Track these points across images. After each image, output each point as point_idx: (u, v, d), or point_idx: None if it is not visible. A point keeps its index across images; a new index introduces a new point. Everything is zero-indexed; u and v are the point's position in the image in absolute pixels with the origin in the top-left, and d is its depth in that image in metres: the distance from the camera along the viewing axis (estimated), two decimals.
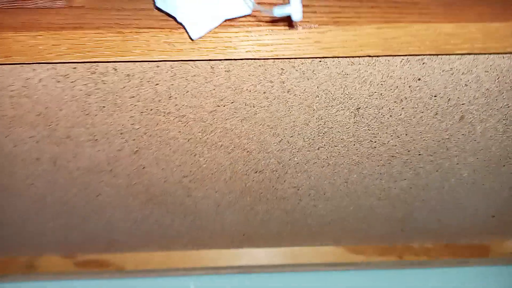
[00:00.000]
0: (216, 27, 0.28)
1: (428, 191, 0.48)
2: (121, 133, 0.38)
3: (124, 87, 0.34)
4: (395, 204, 0.50)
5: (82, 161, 0.41)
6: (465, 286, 0.56)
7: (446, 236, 0.57)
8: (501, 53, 0.33)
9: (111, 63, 0.32)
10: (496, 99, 0.38)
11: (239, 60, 0.33)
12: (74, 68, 0.32)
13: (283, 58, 0.32)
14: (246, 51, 0.30)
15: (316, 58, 0.32)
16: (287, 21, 0.29)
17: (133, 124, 0.38)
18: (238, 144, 0.40)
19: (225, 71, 0.34)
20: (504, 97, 0.38)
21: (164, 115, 0.37)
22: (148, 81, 0.34)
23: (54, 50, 0.29)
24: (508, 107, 0.39)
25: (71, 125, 0.37)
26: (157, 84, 0.34)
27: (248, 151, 0.41)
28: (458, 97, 0.37)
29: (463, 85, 0.36)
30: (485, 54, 0.33)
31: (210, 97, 0.36)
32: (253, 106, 0.37)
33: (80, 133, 0.38)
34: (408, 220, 0.53)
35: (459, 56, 0.34)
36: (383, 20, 0.29)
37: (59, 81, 0.33)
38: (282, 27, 0.29)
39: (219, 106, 0.37)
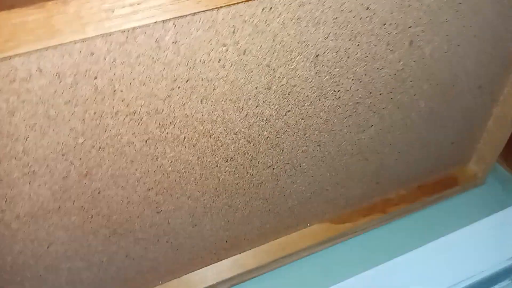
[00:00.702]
0: None
1: (394, 132, 0.48)
2: (63, 154, 0.31)
3: (55, 91, 0.28)
4: (367, 156, 0.48)
5: (20, 207, 0.33)
6: (447, 220, 0.57)
7: (417, 179, 0.57)
8: None
9: (35, 59, 0.26)
10: (437, 15, 0.38)
11: (186, 25, 0.28)
12: None
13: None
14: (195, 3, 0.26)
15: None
16: None
17: (75, 138, 0.31)
18: (203, 131, 0.36)
19: (173, 42, 0.29)
20: (443, 11, 0.38)
21: (111, 117, 0.31)
22: (84, 76, 0.28)
23: None
24: (448, 21, 0.40)
25: None
26: (95, 78, 0.29)
27: (214, 137, 0.37)
28: (404, 21, 0.37)
29: (407, 6, 0.36)
30: None
31: (162, 80, 0.31)
32: (211, 80, 0.33)
33: (10, 168, 0.30)
34: (381, 170, 0.52)
35: None
36: None
37: None
38: None
39: (173, 89, 0.32)
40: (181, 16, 0.27)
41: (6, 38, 0.22)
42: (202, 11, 0.27)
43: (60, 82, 0.28)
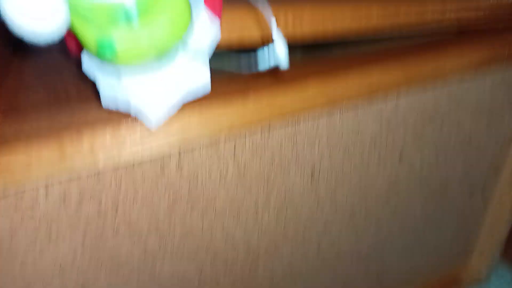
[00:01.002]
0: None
1: (392, 238, 0.48)
2: (60, 271, 0.31)
3: (59, 213, 0.29)
4: (367, 262, 0.48)
5: None
6: None
7: (420, 278, 0.56)
8: (421, 91, 0.37)
9: (43, 183, 0.27)
10: (422, 132, 0.41)
11: (190, 152, 0.30)
12: None
13: (240, 132, 0.31)
14: (202, 128, 0.28)
15: (268, 121, 0.32)
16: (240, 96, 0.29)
17: (74, 256, 0.31)
18: (202, 245, 0.36)
19: (177, 167, 0.31)
20: (426, 129, 0.41)
21: (112, 234, 0.31)
22: (89, 198, 0.29)
23: None
24: (432, 136, 0.42)
25: None
26: (100, 199, 0.30)
27: (213, 251, 0.37)
28: (393, 139, 0.40)
29: (394, 127, 0.39)
30: (407, 94, 0.37)
31: (164, 199, 0.32)
32: (211, 197, 0.34)
33: (6, 285, 0.30)
34: (383, 274, 0.51)
35: (386, 98, 0.36)
36: (323, 75, 0.31)
37: None
38: (234, 97, 0.28)
39: (174, 207, 0.33)
40: (189, 147, 0.29)
41: (21, 169, 0.24)
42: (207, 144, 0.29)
43: (64, 202, 0.28)
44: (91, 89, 0.30)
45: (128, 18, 0.19)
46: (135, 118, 0.26)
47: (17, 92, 0.30)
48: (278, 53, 0.19)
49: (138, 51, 0.20)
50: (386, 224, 0.46)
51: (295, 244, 0.41)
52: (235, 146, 0.32)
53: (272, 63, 0.20)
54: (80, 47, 0.24)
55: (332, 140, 0.36)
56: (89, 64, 0.24)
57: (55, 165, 0.24)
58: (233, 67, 0.22)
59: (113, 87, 0.23)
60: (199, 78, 0.23)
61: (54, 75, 0.34)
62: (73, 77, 0.33)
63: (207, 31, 0.23)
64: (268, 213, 0.37)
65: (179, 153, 0.30)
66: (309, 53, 0.45)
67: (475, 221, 0.55)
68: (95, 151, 0.25)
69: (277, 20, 0.29)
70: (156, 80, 0.23)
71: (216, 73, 0.24)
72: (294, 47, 0.33)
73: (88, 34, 0.20)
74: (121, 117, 0.26)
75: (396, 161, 0.42)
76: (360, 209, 0.42)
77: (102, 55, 0.19)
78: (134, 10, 0.19)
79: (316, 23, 0.31)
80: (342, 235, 0.43)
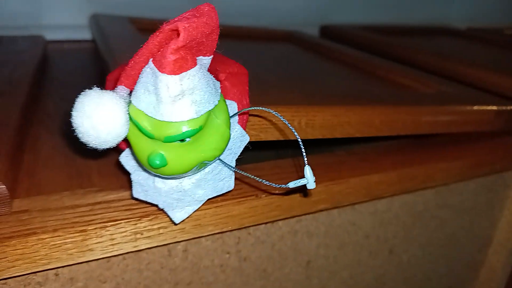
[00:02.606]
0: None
1: None
2: None
3: None
4: None
5: None
6: None
7: None
8: (412, 191, 0.40)
9: (54, 269, 0.27)
10: (411, 229, 0.44)
11: (200, 237, 0.32)
12: (4, 284, 0.26)
13: (247, 227, 0.32)
14: (213, 221, 0.30)
15: (276, 220, 0.34)
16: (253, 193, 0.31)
17: None
18: None
19: (183, 251, 0.32)
20: (416, 226, 0.44)
21: None
22: (94, 281, 0.29)
23: None
24: (420, 234, 0.45)
25: None
26: (105, 282, 0.30)
27: None
28: (384, 234, 0.42)
29: (386, 222, 0.41)
30: (400, 194, 0.39)
31: (165, 283, 0.32)
32: (210, 283, 0.35)
33: None
34: None
35: (380, 198, 0.39)
36: (327, 178, 0.33)
37: None
38: (248, 197, 0.30)
39: None
40: (198, 237, 0.30)
41: (41, 257, 0.24)
42: (217, 233, 0.31)
43: (71, 286, 0.29)
44: (111, 174, 0.32)
45: (182, 139, 0.21)
46: (157, 211, 0.27)
47: (36, 171, 0.31)
48: (308, 179, 0.22)
49: (185, 166, 0.22)
50: None
51: None
52: (239, 238, 0.33)
53: (301, 183, 0.22)
54: (124, 146, 0.26)
55: (329, 233, 0.38)
56: (126, 159, 0.26)
57: (73, 255, 0.25)
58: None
59: (145, 185, 0.25)
60: (224, 183, 0.25)
61: (72, 144, 0.36)
62: (92, 157, 0.34)
63: (237, 143, 0.25)
64: None
65: (188, 240, 0.31)
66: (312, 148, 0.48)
67: None
68: (115, 243, 0.26)
69: (292, 124, 0.32)
70: (186, 185, 0.25)
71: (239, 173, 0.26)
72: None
73: (141, 146, 0.22)
74: (143, 209, 0.27)
75: (386, 254, 0.43)
76: None
77: (153, 166, 0.21)
78: (189, 133, 0.21)
79: (325, 129, 0.34)
80: None
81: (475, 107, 0.42)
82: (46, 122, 0.39)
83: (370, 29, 0.82)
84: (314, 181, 0.22)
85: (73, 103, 0.21)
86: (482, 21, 1.05)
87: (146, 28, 0.58)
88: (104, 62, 0.40)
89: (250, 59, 0.54)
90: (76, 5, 0.68)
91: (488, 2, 1.08)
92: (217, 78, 0.25)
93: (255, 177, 0.24)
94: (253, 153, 0.35)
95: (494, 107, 0.43)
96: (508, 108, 0.45)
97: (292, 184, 0.22)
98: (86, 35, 0.68)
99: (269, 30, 0.72)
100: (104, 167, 0.33)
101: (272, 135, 0.32)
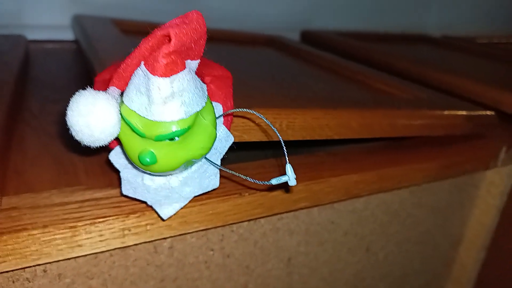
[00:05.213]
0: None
1: None
2: None
3: None
4: None
5: None
6: None
7: None
8: (389, 191, 0.42)
9: (42, 265, 0.28)
10: (388, 227, 0.46)
11: (185, 234, 0.33)
12: None
13: (231, 224, 0.33)
14: (199, 219, 0.31)
15: (258, 218, 0.35)
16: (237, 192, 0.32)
17: None
18: None
19: (169, 248, 0.33)
20: (392, 224, 0.46)
21: None
22: (82, 277, 0.30)
23: None
24: (397, 231, 0.47)
25: None
26: (92, 279, 0.31)
27: None
28: (362, 231, 0.44)
29: (364, 220, 0.43)
30: (377, 193, 0.41)
31: (151, 279, 0.33)
32: (195, 279, 0.36)
33: None
34: None
35: (358, 197, 0.41)
36: (308, 178, 0.35)
37: None
38: (232, 195, 0.31)
39: (160, 287, 0.34)
40: (184, 234, 0.31)
41: (32, 252, 0.25)
42: (202, 229, 0.32)
43: (59, 282, 0.29)
44: (98, 172, 0.32)
45: (172, 138, 0.23)
46: (144, 208, 0.28)
47: (24, 170, 0.32)
48: (289, 176, 0.23)
49: (174, 163, 0.23)
50: None
51: None
52: (222, 235, 0.35)
53: (282, 180, 0.24)
54: (114, 144, 0.27)
55: (310, 230, 0.40)
56: (116, 157, 0.27)
57: (62, 251, 0.26)
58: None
59: (134, 182, 0.26)
60: (210, 181, 0.27)
61: (58, 144, 0.36)
62: (78, 155, 0.35)
63: (223, 143, 0.27)
64: None
65: (173, 237, 0.32)
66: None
67: None
68: (103, 239, 0.27)
69: (274, 125, 0.34)
70: (173, 183, 0.26)
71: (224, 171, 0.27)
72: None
73: (132, 144, 0.23)
74: (131, 207, 0.28)
75: (364, 252, 0.45)
76: None
77: (143, 163, 0.22)
78: (179, 133, 0.22)
79: (305, 130, 0.36)
80: None
81: (447, 112, 0.45)
82: (31, 122, 0.40)
83: (349, 35, 0.84)
84: (295, 178, 0.23)
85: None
86: (457, 30, 1.10)
87: (129, 29, 0.59)
88: (89, 64, 0.41)
89: (233, 62, 0.56)
90: (58, 5, 0.68)
91: (462, 11, 1.12)
92: (203, 81, 0.27)
93: (240, 175, 0.25)
94: (237, 153, 0.36)
95: (464, 112, 0.46)
96: (477, 113, 0.48)
97: (274, 181, 0.24)
98: (67, 35, 0.68)
99: (251, 34, 0.74)
100: (90, 167, 0.33)
101: (255, 136, 0.33)
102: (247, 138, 0.32)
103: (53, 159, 0.34)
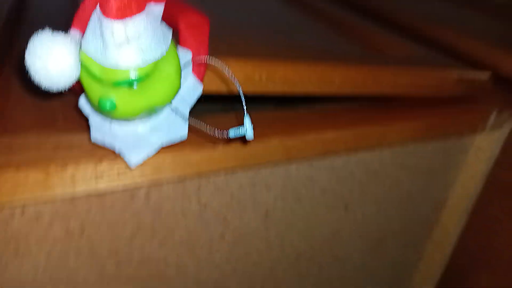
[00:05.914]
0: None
1: (331, 281, 0.52)
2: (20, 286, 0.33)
3: (30, 231, 0.31)
4: None
5: None
6: None
7: None
8: (368, 150, 0.42)
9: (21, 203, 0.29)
10: (367, 186, 0.46)
11: (160, 184, 0.34)
12: None
13: (208, 175, 0.34)
14: (173, 169, 0.32)
15: (233, 171, 0.36)
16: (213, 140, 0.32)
17: (35, 273, 0.33)
18: (156, 273, 0.38)
19: (145, 194, 0.34)
20: (372, 183, 0.47)
21: (74, 255, 0.34)
22: (60, 218, 0.31)
23: None
24: (376, 192, 0.48)
25: None
26: (70, 221, 0.32)
27: (166, 280, 0.39)
28: (341, 190, 0.45)
29: (343, 179, 0.44)
30: (356, 152, 0.42)
31: (128, 224, 0.35)
32: (171, 228, 0.37)
33: None
34: None
35: (337, 153, 0.41)
36: (283, 132, 0.35)
37: None
38: (206, 147, 0.32)
39: (136, 233, 0.35)
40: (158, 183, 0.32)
41: (5, 192, 0.26)
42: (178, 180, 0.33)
43: (37, 222, 0.31)
44: (76, 118, 0.33)
45: (130, 85, 0.23)
46: (116, 155, 0.29)
47: (5, 113, 0.32)
48: (246, 129, 0.24)
49: (134, 110, 0.24)
50: (328, 268, 0.50)
51: (242, 281, 0.44)
52: (199, 185, 0.36)
53: (240, 134, 0.24)
54: (81, 89, 0.27)
55: (287, 186, 0.41)
56: (85, 103, 0.27)
57: (37, 191, 0.27)
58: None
59: (102, 128, 0.26)
60: (178, 130, 0.27)
61: (41, 95, 0.37)
62: (59, 101, 0.35)
63: (190, 93, 0.27)
64: (220, 251, 0.40)
65: (149, 187, 0.33)
66: (275, 104, 0.50)
67: (408, 275, 0.60)
68: (76, 181, 0.28)
69: (252, 77, 0.34)
70: (141, 130, 0.26)
71: (194, 121, 0.28)
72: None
73: (92, 90, 0.23)
74: (103, 152, 0.29)
75: (342, 211, 0.46)
76: (305, 253, 0.46)
77: (103, 109, 0.23)
78: (135, 80, 0.22)
79: (286, 84, 0.36)
80: (286, 276, 0.47)
81: (436, 72, 0.44)
82: (20, 65, 0.40)
83: None
84: (252, 131, 0.23)
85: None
86: None
87: None
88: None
89: (224, 8, 0.55)
90: None
91: None
92: (176, 27, 0.26)
93: (200, 124, 0.25)
94: (212, 106, 0.37)
95: (455, 73, 0.45)
96: (470, 75, 0.47)
97: (232, 132, 0.24)
98: None
99: None
100: (70, 112, 0.34)
101: (227, 88, 0.33)
102: (216, 89, 0.32)
103: (35, 103, 0.34)
